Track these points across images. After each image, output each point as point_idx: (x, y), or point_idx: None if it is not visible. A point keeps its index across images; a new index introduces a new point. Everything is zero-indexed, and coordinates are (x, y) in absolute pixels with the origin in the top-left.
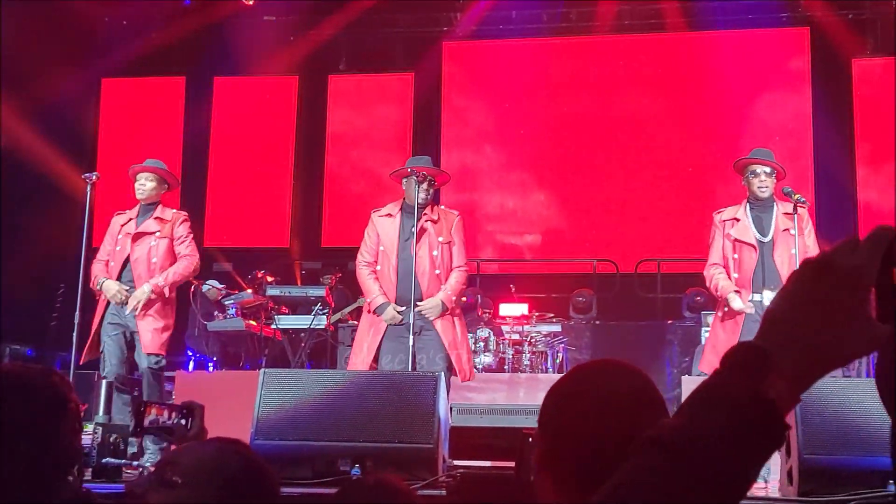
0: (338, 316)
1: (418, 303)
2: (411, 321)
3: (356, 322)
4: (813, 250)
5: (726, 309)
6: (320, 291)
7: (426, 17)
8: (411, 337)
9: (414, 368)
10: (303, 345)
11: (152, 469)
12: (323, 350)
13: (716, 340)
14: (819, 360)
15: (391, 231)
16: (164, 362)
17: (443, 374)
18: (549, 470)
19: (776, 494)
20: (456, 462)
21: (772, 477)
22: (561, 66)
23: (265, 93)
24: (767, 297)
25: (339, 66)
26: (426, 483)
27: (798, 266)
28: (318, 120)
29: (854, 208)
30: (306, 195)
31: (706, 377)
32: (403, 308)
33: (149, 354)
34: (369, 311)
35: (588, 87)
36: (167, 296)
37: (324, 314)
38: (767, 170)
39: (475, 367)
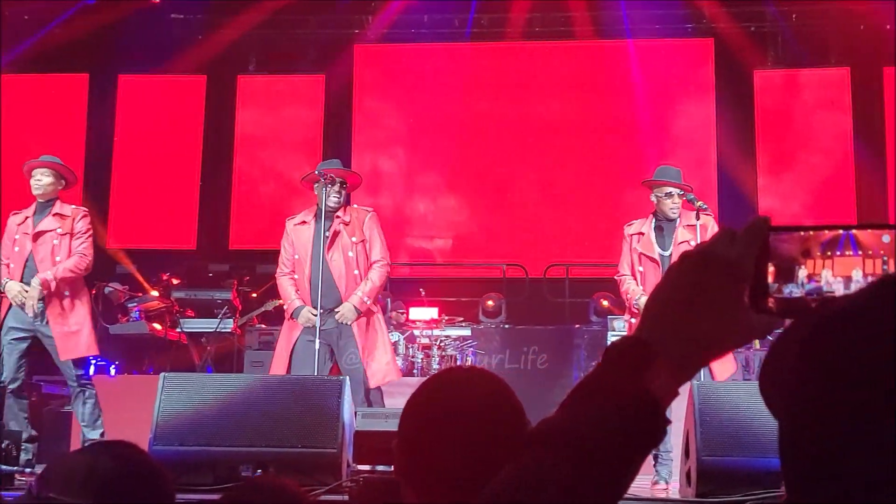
0: (245, 319)
1: (335, 309)
2: (317, 326)
3: (264, 325)
4: None
5: (635, 311)
6: (227, 294)
7: (337, 18)
8: (317, 342)
9: (334, 372)
10: (208, 348)
11: (32, 485)
12: (230, 354)
13: None
14: (699, 350)
15: (305, 238)
16: (90, 367)
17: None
18: (407, 477)
19: (676, 496)
20: (360, 466)
21: (673, 479)
22: (472, 71)
23: (172, 92)
24: None
25: (248, 67)
26: (329, 488)
27: (678, 258)
28: (226, 120)
29: (755, 215)
30: (214, 196)
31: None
32: (320, 312)
33: (68, 361)
34: (288, 318)
35: (499, 92)
36: (52, 289)
37: (230, 317)
38: (677, 192)
39: None
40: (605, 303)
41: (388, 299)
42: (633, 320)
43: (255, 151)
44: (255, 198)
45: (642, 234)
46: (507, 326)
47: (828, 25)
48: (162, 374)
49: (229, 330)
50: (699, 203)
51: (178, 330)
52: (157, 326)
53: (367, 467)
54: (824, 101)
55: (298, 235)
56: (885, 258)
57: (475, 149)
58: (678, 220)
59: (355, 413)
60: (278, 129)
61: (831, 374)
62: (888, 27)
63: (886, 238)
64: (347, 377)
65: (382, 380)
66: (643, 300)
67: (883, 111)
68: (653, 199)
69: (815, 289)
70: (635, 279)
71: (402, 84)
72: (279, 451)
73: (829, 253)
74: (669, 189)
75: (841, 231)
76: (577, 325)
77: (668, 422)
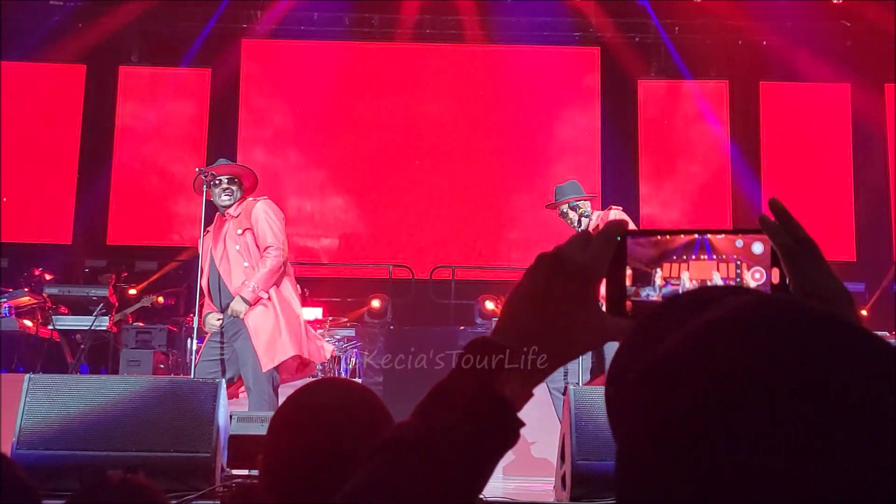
0: (120, 316)
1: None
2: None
3: (141, 323)
4: None
5: None
6: (103, 291)
7: (225, 12)
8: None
9: (222, 373)
10: (81, 346)
11: None
12: (105, 352)
13: None
14: (552, 354)
15: (206, 245)
16: None
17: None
18: (268, 483)
19: (551, 499)
20: (234, 471)
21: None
22: (363, 71)
23: (50, 80)
24: None
25: (131, 58)
26: (201, 493)
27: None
28: (107, 112)
29: (637, 222)
30: (92, 189)
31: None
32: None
33: None
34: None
35: (389, 92)
36: None
37: (106, 315)
38: (568, 205)
39: None
40: (490, 305)
41: None
42: None
43: (137, 145)
44: (135, 192)
45: None
46: (392, 327)
47: (708, 39)
48: (27, 376)
49: (105, 328)
50: (581, 210)
51: (51, 327)
52: (28, 323)
53: (242, 472)
54: (703, 113)
55: (204, 243)
56: (739, 262)
57: (364, 149)
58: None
59: (230, 416)
60: (161, 122)
61: (652, 426)
62: (764, 43)
63: (739, 242)
64: (223, 380)
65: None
66: None
67: (758, 123)
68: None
69: (672, 292)
70: None
71: (290, 81)
72: (150, 456)
73: (685, 256)
74: (562, 208)
75: (696, 235)
76: (461, 327)
77: (521, 424)
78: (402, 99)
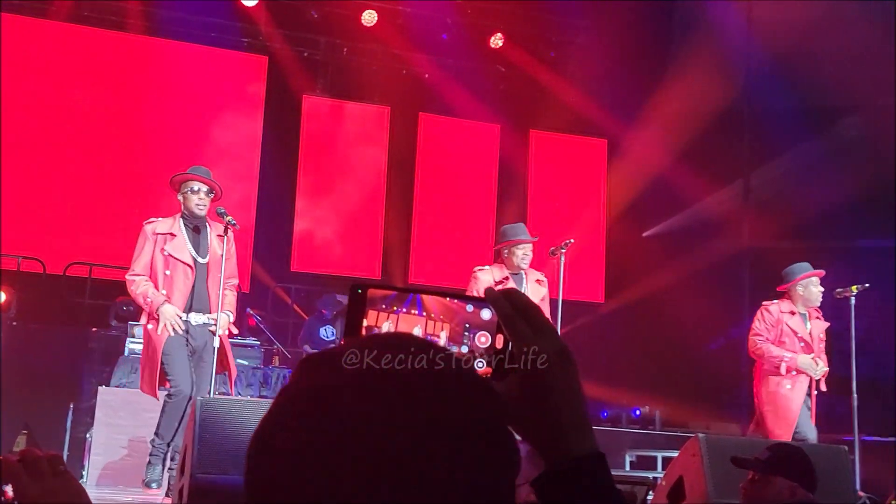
0: None
1: None
2: None
3: None
4: (234, 271)
5: (148, 326)
6: None
7: None
8: None
9: None
10: None
11: None
12: None
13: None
14: None
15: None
16: None
17: None
18: None
19: None
20: None
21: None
22: (12, 47)
23: None
24: (195, 318)
25: None
26: None
27: (224, 290)
28: None
29: (290, 236)
30: None
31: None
32: None
33: None
34: None
35: (38, 73)
36: None
37: None
38: (205, 188)
39: None
40: (128, 308)
41: None
42: (150, 326)
43: None
44: None
45: (173, 234)
46: (15, 324)
47: (374, 64)
48: None
49: None
50: (228, 217)
51: None
52: None
53: None
54: (364, 135)
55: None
56: (468, 325)
57: (7, 127)
58: (208, 225)
59: None
60: None
61: None
62: (426, 76)
63: (470, 307)
64: None
65: None
66: (167, 308)
67: (415, 151)
68: (179, 197)
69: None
70: (155, 282)
71: None
72: None
73: (394, 308)
74: (193, 185)
75: (410, 293)
76: (94, 329)
77: None
78: (49, 81)
